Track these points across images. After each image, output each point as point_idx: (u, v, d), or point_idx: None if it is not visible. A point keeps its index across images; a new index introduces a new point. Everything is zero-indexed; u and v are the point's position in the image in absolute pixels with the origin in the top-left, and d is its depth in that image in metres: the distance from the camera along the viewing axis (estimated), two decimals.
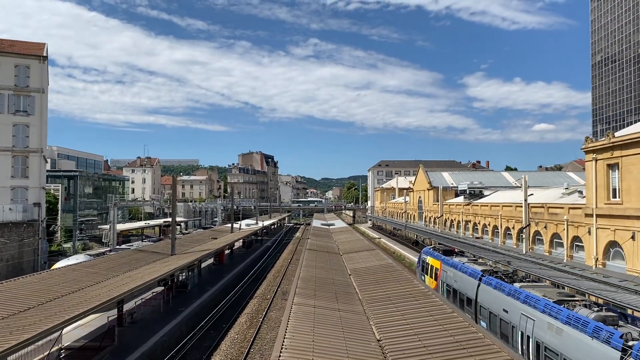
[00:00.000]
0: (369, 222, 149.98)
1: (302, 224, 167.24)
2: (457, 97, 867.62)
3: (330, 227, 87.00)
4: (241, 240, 69.61)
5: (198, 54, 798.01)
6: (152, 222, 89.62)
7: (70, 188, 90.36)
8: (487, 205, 54.86)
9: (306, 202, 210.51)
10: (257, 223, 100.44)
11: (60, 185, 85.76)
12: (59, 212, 77.38)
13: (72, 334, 27.83)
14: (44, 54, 58.08)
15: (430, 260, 38.28)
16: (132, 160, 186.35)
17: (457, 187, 74.96)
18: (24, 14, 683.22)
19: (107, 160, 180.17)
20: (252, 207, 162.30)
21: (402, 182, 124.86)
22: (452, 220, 67.85)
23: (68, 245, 76.31)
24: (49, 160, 77.38)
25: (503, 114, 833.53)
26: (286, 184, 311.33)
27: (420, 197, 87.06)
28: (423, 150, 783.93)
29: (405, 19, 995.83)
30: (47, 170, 71.49)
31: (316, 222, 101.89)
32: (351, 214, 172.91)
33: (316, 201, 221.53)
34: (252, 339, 30.36)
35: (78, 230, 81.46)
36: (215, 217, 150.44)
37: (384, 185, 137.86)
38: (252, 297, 43.71)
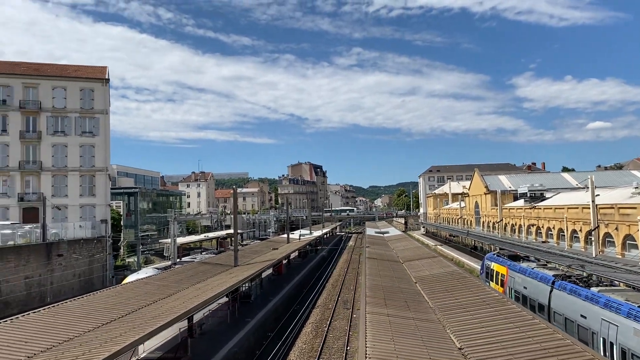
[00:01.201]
0: (422, 229, 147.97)
1: (354, 233, 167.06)
2: (506, 99, 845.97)
3: (385, 235, 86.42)
4: (296, 250, 70.12)
5: (244, 70, 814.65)
6: (211, 235, 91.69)
7: (130, 204, 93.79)
8: (551, 208, 53.11)
9: (337, 212, 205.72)
10: (311, 233, 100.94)
11: (121, 201, 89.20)
12: (122, 227, 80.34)
13: (145, 346, 28.76)
14: (106, 77, 60.83)
15: (495, 266, 37.40)
16: (187, 175, 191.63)
17: (515, 190, 72.97)
18: (80, 40, 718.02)
19: (162, 176, 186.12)
20: (304, 217, 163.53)
21: (455, 187, 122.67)
22: (512, 225, 66.04)
23: (131, 259, 79.08)
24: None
25: (554, 113, 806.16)
26: (335, 193, 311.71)
27: (476, 201, 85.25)
28: (473, 154, 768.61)
29: (449, 22, 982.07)
30: (110, 188, 74.56)
31: (370, 230, 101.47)
32: (403, 222, 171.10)
33: (348, 210, 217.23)
34: (319, 349, 30.50)
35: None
36: (269, 228, 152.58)
37: (437, 191, 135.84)
38: (314, 307, 43.94)
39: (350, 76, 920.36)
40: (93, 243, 53.85)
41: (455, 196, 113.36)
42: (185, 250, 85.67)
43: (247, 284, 44.35)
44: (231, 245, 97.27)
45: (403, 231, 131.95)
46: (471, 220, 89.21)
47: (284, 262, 65.27)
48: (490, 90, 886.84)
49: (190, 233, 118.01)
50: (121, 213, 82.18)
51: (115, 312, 24.17)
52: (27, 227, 48.99)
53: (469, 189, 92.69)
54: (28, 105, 57.91)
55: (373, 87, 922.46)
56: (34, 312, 22.99)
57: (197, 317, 34.52)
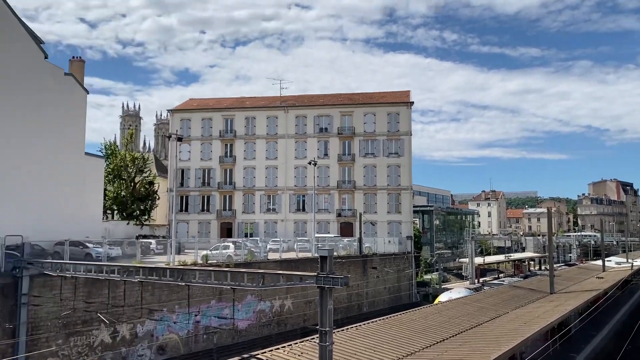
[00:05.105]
0: None
1: None
2: None
3: None
4: (619, 280, 60.95)
5: (532, 82, 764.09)
6: (514, 256, 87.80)
7: (424, 222, 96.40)
8: None
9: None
10: (627, 261, 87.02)
11: (418, 219, 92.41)
12: (421, 245, 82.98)
13: None
14: (410, 100, 64.18)
15: None
16: (475, 194, 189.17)
17: None
18: (371, 71, 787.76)
19: (452, 194, 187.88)
20: (614, 242, 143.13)
21: None
22: None
23: (427, 276, 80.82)
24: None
25: None
26: None
27: None
28: None
29: None
30: None
31: None
32: None
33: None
34: None
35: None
36: (568, 253, 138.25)
37: None
38: None
39: None
40: (404, 258, 56.69)
41: None
42: (481, 271, 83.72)
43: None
44: (530, 269, 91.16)
45: None
46: None
47: None
48: None
49: (482, 253, 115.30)
50: (420, 230, 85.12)
51: (451, 328, 24.36)
52: (346, 239, 54.39)
53: None
54: (344, 131, 65.43)
55: None
56: (383, 319, 25.07)
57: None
